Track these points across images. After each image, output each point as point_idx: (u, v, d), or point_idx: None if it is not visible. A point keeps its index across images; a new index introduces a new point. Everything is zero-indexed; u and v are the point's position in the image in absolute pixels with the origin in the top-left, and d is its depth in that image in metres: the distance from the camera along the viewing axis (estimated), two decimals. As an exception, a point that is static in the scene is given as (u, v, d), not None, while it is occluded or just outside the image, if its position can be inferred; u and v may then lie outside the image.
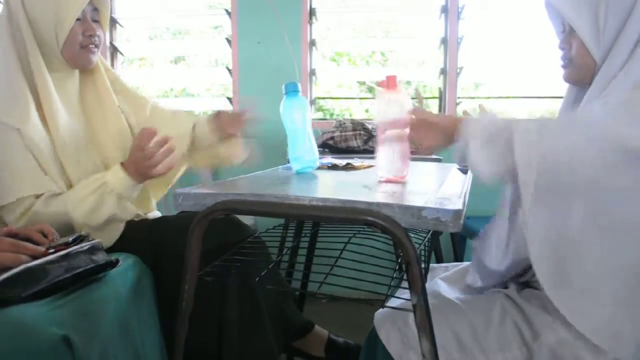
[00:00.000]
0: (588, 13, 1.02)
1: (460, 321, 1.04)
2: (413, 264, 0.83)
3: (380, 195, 0.98)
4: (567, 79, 1.13)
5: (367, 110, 3.84)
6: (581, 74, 1.08)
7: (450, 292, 1.17)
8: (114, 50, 2.99)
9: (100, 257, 1.01)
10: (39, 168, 1.26)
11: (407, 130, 1.12)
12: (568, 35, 1.10)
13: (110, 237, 1.33)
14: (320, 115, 3.09)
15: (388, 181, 1.14)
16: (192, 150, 1.60)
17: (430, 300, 0.98)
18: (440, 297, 1.13)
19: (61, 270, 0.93)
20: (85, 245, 0.99)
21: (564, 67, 1.13)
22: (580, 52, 1.06)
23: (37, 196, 1.26)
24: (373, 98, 4.03)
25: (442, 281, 1.25)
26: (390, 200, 0.88)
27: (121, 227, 1.36)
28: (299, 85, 1.31)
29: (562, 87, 1.19)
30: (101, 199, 1.28)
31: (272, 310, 1.38)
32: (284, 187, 1.09)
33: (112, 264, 1.03)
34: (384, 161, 1.15)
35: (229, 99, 2.86)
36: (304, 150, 1.32)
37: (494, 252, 1.09)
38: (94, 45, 1.39)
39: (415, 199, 0.90)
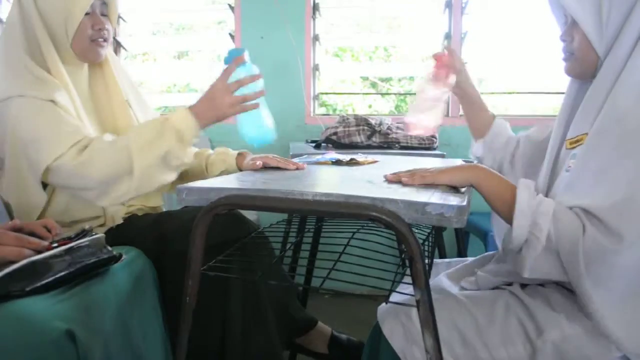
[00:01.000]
0: (591, 4, 1.00)
1: (464, 316, 1.04)
2: (417, 259, 0.82)
3: (384, 191, 0.97)
4: (569, 72, 1.11)
5: (370, 106, 3.84)
6: (583, 67, 1.06)
7: (453, 288, 1.17)
8: (117, 45, 2.99)
9: (104, 252, 1.01)
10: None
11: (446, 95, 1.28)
12: (570, 27, 1.07)
13: (151, 193, 1.36)
14: (323, 110, 3.08)
15: (414, 127, 1.27)
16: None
17: (434, 296, 0.98)
18: (444, 292, 1.12)
19: (64, 264, 0.93)
20: (88, 240, 0.99)
21: (565, 59, 1.10)
22: (583, 44, 1.03)
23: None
24: (376, 93, 4.03)
25: (446, 277, 1.25)
26: (394, 196, 0.88)
27: (174, 175, 1.35)
28: (246, 52, 1.25)
29: (566, 83, 1.17)
30: (160, 132, 1.27)
31: (275, 306, 1.38)
32: (288, 182, 1.09)
33: (115, 258, 1.03)
34: (418, 109, 1.27)
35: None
36: (256, 124, 1.28)
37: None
38: (103, 39, 1.40)
39: (419, 195, 0.90)
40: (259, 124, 1.28)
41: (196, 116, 1.30)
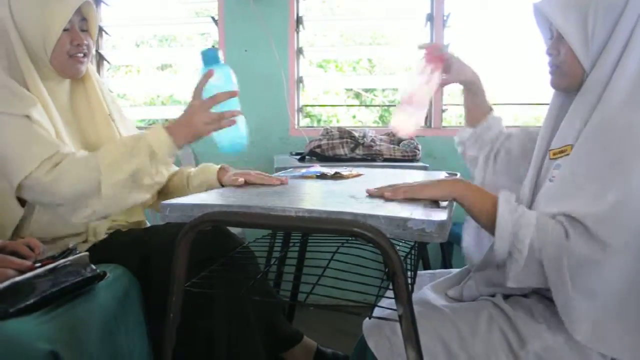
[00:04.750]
0: (577, 19, 1.01)
1: (448, 328, 1.05)
2: (399, 274, 0.83)
3: (366, 206, 0.98)
4: (555, 85, 1.12)
5: (354, 116, 3.87)
6: (569, 80, 1.07)
7: (438, 300, 1.18)
8: (100, 58, 2.98)
9: (87, 270, 1.01)
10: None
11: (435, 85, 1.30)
12: (556, 41, 1.08)
13: (133, 208, 1.35)
14: (307, 121, 3.09)
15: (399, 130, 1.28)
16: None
17: (418, 308, 0.99)
18: (428, 304, 1.13)
19: (48, 284, 0.93)
20: (71, 259, 0.99)
21: (551, 73, 1.11)
22: (569, 58, 1.05)
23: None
24: (360, 105, 4.05)
25: (430, 289, 1.26)
26: (376, 211, 0.89)
27: (147, 195, 1.33)
28: (220, 53, 1.17)
29: (547, 95, 1.19)
30: (132, 149, 1.26)
31: (260, 321, 1.38)
32: (271, 197, 1.10)
33: (100, 277, 1.03)
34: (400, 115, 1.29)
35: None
36: (229, 130, 1.21)
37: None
38: (82, 55, 1.40)
39: (401, 210, 0.91)
40: (232, 134, 1.25)
41: (171, 134, 1.29)
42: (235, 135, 1.22)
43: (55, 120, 1.33)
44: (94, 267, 1.04)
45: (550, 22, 1.09)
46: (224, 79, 1.18)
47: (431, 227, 0.83)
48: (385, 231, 0.84)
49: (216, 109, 1.25)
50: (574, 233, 0.90)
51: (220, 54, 1.15)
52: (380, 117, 3.84)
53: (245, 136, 1.24)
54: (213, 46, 1.14)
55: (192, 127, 1.28)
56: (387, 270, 0.87)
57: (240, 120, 1.26)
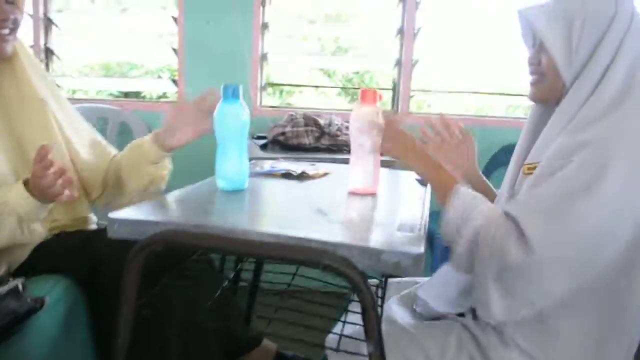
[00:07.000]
0: (562, 29, 0.97)
1: (415, 352, 1.01)
2: (369, 310, 0.80)
3: (336, 228, 0.92)
4: (532, 97, 1.08)
5: (317, 88, 3.78)
6: (547, 93, 1.03)
7: (404, 317, 1.13)
8: (49, 22, 2.77)
9: (23, 304, 0.89)
10: None
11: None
12: (538, 50, 1.04)
13: (14, 260, 1.20)
14: (270, 92, 2.98)
15: (359, 193, 1.18)
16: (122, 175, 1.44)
17: (385, 327, 0.95)
18: (396, 324, 1.09)
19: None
20: (2, 291, 0.87)
21: (531, 83, 1.07)
22: (550, 70, 1.00)
23: None
24: (325, 87, 3.95)
25: (397, 302, 1.21)
26: (347, 238, 0.83)
27: (27, 251, 1.23)
28: (241, 89, 1.12)
29: (518, 87, 1.14)
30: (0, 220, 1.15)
31: (217, 326, 1.31)
32: (231, 209, 1.02)
33: (36, 309, 0.92)
34: (357, 174, 1.19)
35: (174, 81, 2.71)
36: (232, 169, 1.13)
37: (448, 297, 1.07)
38: (8, 31, 1.24)
39: (373, 236, 0.85)
40: (231, 174, 1.14)
41: (36, 196, 1.16)
42: (234, 174, 1.13)
43: None
44: (29, 298, 0.92)
45: (534, 31, 1.04)
46: (236, 117, 1.13)
47: (407, 260, 0.78)
48: (357, 263, 0.79)
49: (228, 143, 1.14)
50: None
51: (240, 90, 1.12)
52: (343, 90, 3.78)
53: (245, 179, 1.15)
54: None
55: (43, 193, 1.15)
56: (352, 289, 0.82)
57: (236, 162, 1.15)
